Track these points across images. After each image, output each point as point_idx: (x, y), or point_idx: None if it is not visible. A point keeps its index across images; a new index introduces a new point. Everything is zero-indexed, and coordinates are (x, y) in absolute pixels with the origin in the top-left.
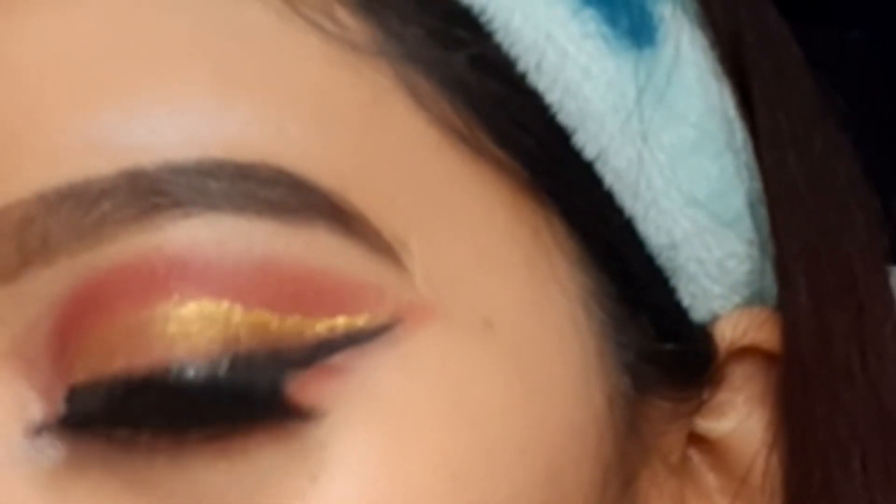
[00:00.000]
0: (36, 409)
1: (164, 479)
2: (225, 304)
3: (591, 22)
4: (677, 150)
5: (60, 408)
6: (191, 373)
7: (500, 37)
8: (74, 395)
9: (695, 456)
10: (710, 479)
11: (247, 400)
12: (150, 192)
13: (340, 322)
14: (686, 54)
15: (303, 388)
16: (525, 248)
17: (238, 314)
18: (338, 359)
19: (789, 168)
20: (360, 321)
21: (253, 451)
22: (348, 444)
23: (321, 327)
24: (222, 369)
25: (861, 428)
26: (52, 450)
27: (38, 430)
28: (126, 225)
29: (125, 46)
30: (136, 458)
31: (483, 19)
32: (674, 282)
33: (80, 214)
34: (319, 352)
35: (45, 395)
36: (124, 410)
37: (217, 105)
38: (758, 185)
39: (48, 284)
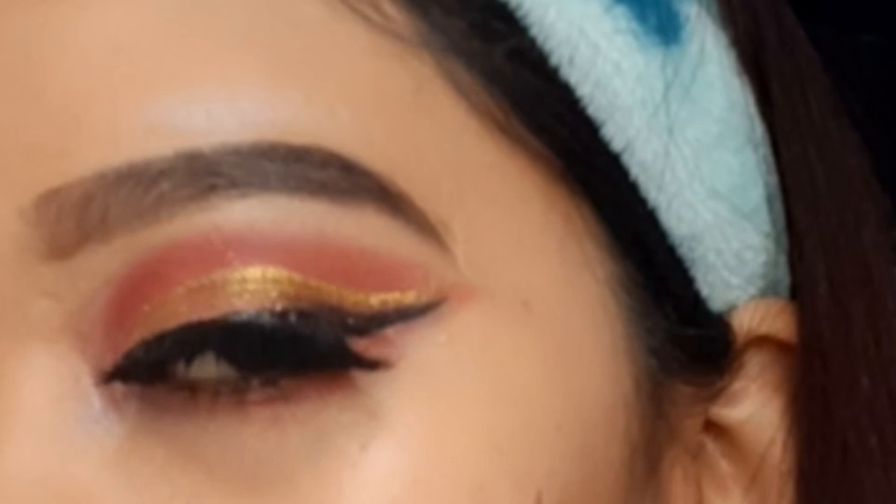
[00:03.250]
0: (88, 383)
1: (220, 447)
2: (284, 271)
3: (622, 18)
4: (701, 143)
5: (119, 361)
6: (256, 320)
7: (535, 31)
8: (135, 351)
9: (708, 442)
10: (723, 466)
11: (311, 348)
12: (207, 173)
13: (392, 297)
14: (710, 52)
15: (364, 351)
16: (559, 235)
17: (298, 280)
18: (390, 331)
19: (810, 162)
20: (409, 298)
21: (304, 419)
22: (397, 415)
23: (375, 300)
24: (287, 319)
25: (878, 412)
26: (107, 422)
27: (92, 402)
28: (184, 204)
29: (183, 34)
30: (192, 425)
31: (519, 14)
32: (693, 272)
33: (140, 193)
34: (375, 322)
35: (98, 367)
36: (186, 355)
37: (271, 91)
38: (774, 179)
39: (105, 261)
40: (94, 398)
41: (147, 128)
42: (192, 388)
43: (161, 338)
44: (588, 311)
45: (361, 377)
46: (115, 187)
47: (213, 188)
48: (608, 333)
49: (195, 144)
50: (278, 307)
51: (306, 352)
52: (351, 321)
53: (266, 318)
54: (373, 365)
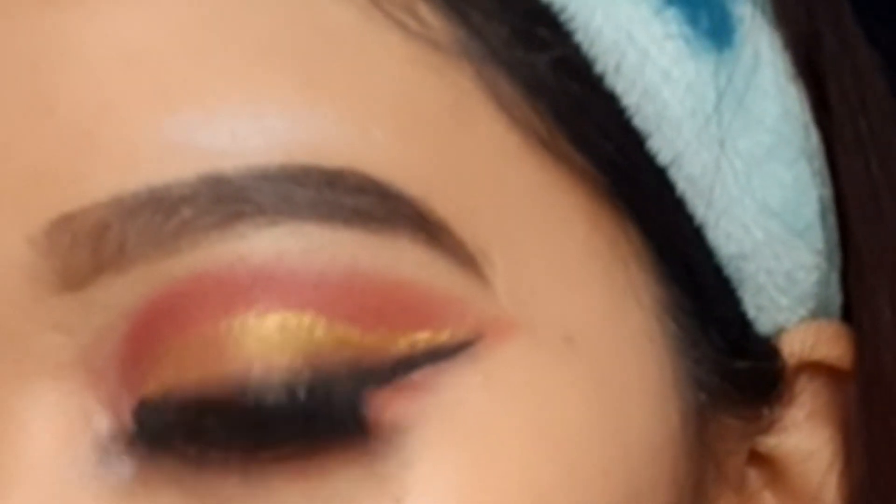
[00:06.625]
0: (102, 422)
1: (237, 499)
2: (308, 317)
3: (673, 22)
4: (753, 156)
5: (128, 422)
6: (269, 389)
7: (580, 36)
8: (144, 408)
9: (751, 473)
10: (767, 498)
11: (326, 418)
12: (233, 199)
13: (423, 337)
14: (764, 56)
15: (384, 406)
16: (603, 259)
17: (321, 328)
18: (419, 376)
19: (871, 174)
20: (443, 336)
21: (331, 473)
22: (432, 466)
23: (403, 342)
24: (302, 385)
25: None
26: (121, 466)
27: (105, 445)
28: (207, 233)
29: (205, 45)
30: (209, 476)
31: (563, 17)
32: (741, 293)
33: (160, 221)
34: (401, 368)
35: (112, 407)
36: (196, 425)
37: (301, 107)
38: (828, 192)
39: (121, 293)
40: (107, 440)
41: (166, 147)
42: (206, 444)
43: (166, 400)
44: (634, 344)
45: (399, 423)
46: (132, 214)
47: (239, 216)
48: (655, 367)
49: (219, 167)
50: (293, 367)
51: (320, 423)
52: (374, 372)
53: (278, 390)
54: (389, 435)
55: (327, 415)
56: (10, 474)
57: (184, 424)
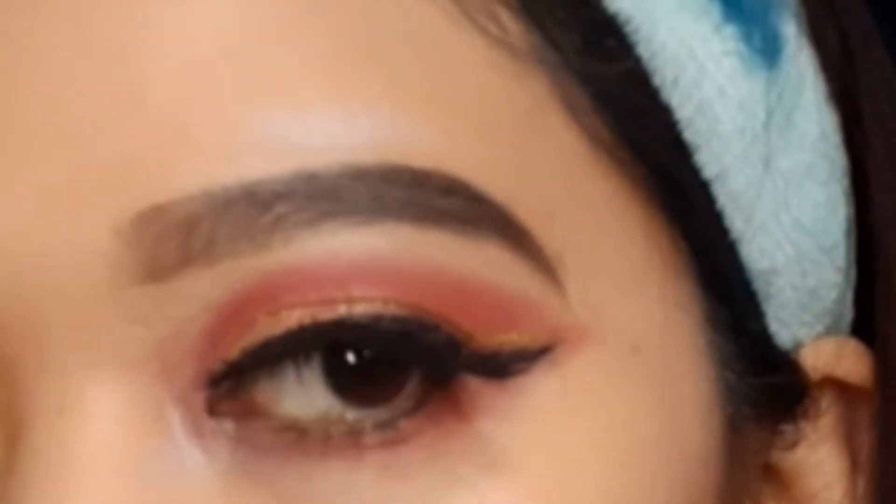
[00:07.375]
0: (174, 416)
1: (328, 495)
2: (408, 299)
3: (731, 39)
4: (793, 174)
5: (201, 414)
6: (375, 323)
7: (642, 49)
8: (233, 356)
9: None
10: None
11: (427, 350)
12: (326, 198)
13: (510, 338)
14: (807, 76)
15: (479, 391)
16: (658, 270)
17: (415, 315)
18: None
19: None
20: (526, 339)
21: (421, 468)
22: (516, 470)
23: (494, 340)
24: (407, 323)
25: None
26: (195, 464)
27: (177, 439)
28: (300, 229)
29: (296, 41)
30: (297, 469)
31: (628, 29)
32: (765, 307)
33: (253, 216)
34: (492, 361)
35: (185, 401)
36: (296, 354)
37: (389, 107)
38: (851, 211)
39: (206, 286)
40: (180, 435)
41: (260, 143)
42: (302, 430)
43: (266, 344)
44: (686, 355)
45: (483, 424)
46: (224, 208)
47: (331, 214)
48: (703, 379)
49: (312, 164)
50: (399, 314)
51: (422, 352)
52: (467, 356)
53: (385, 323)
54: (479, 427)
55: (429, 351)
56: (80, 467)
57: (282, 359)
